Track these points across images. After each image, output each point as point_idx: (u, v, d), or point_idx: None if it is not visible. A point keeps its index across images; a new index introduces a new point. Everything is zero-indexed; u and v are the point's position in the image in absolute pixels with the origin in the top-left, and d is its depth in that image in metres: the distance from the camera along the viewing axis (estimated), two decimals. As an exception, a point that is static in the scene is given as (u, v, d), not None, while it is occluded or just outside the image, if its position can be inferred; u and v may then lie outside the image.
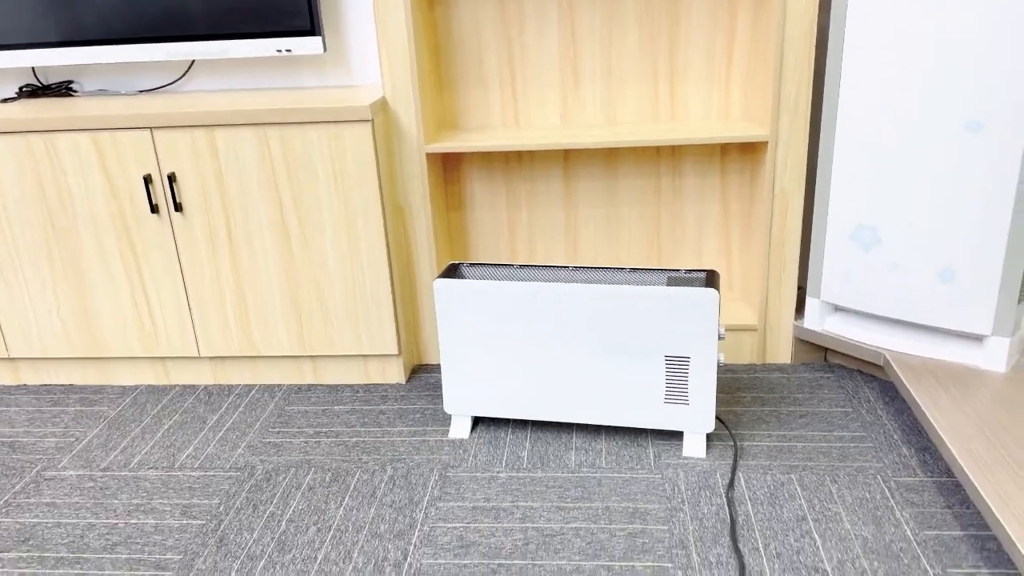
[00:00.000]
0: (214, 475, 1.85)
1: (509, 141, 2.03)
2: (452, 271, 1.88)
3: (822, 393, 2.02)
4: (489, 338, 1.83)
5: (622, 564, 1.49)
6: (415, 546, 1.57)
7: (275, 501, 1.74)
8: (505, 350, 1.83)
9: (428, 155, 2.07)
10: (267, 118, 1.94)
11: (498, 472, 1.79)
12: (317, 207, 2.02)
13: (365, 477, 1.80)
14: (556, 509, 1.65)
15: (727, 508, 1.63)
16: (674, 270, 1.82)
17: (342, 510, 1.70)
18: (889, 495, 1.64)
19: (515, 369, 1.84)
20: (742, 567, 1.47)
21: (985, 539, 1.51)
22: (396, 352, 2.14)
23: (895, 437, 1.83)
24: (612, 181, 2.21)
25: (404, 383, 2.21)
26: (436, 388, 2.17)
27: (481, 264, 1.90)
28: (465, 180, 2.26)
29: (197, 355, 2.21)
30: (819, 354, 2.17)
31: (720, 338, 1.73)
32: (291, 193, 2.02)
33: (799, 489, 1.67)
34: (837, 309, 2.06)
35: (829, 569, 1.45)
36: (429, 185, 2.08)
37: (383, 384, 2.21)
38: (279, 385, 2.24)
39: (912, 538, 1.52)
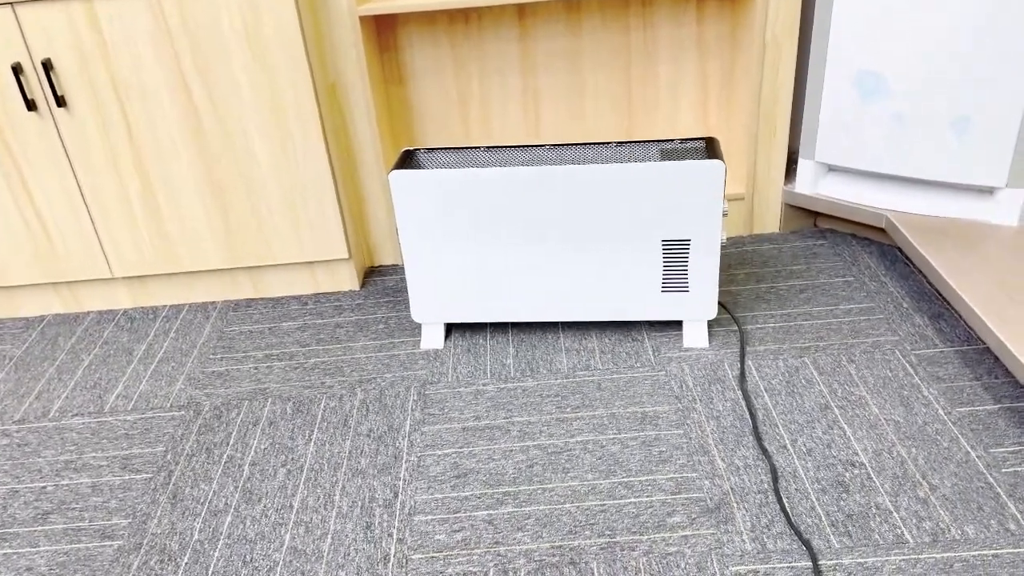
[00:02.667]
0: (153, 417, 1.59)
1: (457, -3, 1.70)
2: (407, 160, 1.60)
3: (818, 263, 1.87)
4: (458, 234, 1.58)
5: (641, 479, 1.34)
6: (405, 481, 1.38)
7: (232, 442, 1.50)
8: (478, 246, 1.59)
9: (361, 19, 1.73)
10: (159, -18, 1.56)
11: (484, 385, 1.59)
12: (234, 89, 1.68)
13: (332, 404, 1.58)
14: (557, 422, 1.48)
15: (743, 402, 1.48)
16: (666, 140, 1.58)
17: (312, 446, 1.48)
18: (912, 371, 1.52)
19: (490, 267, 1.61)
20: (773, 469, 1.33)
21: (1023, 411, 1.40)
22: (346, 255, 1.87)
23: (905, 305, 1.70)
24: (575, 40, 1.92)
25: (359, 289, 1.95)
26: (397, 293, 1.92)
27: (440, 149, 1.63)
28: (403, 48, 1.93)
29: (110, 275, 1.89)
30: (808, 220, 2.01)
31: (724, 215, 1.53)
32: (199, 74, 1.66)
33: (816, 373, 1.54)
34: (831, 170, 1.89)
35: (866, 461, 1.33)
36: (365, 56, 1.76)
37: (335, 293, 1.95)
38: (212, 303, 1.95)
39: (946, 418, 1.40)
